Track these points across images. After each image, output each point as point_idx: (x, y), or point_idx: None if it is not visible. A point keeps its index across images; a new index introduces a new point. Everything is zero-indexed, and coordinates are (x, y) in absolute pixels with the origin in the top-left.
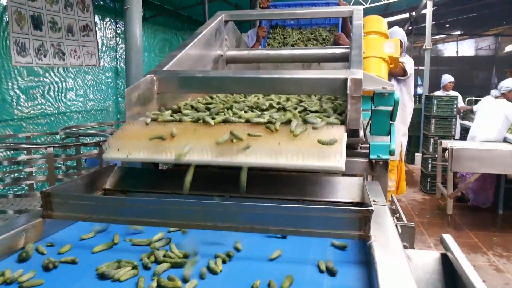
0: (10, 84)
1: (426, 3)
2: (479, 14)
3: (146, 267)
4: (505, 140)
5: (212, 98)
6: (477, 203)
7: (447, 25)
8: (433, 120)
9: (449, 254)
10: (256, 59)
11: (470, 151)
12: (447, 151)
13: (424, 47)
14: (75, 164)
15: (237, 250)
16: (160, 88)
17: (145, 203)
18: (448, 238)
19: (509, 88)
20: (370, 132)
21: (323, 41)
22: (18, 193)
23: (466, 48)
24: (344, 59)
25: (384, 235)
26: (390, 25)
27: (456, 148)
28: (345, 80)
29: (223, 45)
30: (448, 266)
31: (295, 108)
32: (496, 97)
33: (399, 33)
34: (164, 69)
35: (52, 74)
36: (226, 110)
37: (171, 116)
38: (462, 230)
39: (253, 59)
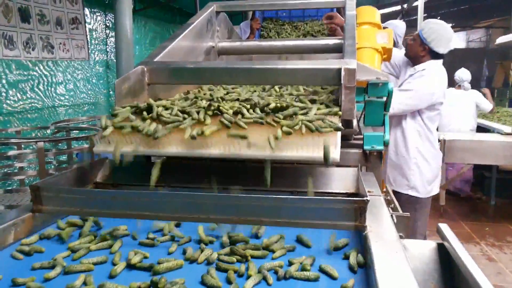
0: None
1: None
2: (470, 6)
3: None
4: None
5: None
6: (464, 192)
7: (439, 18)
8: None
9: (445, 243)
10: (249, 51)
11: (463, 143)
12: (440, 142)
13: None
14: (66, 159)
15: None
16: (151, 79)
17: (137, 196)
18: (444, 227)
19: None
20: (364, 123)
21: (316, 34)
22: (8, 188)
23: (458, 40)
24: (337, 50)
25: (380, 226)
26: (382, 17)
27: (448, 139)
28: (339, 70)
29: (214, 36)
30: (444, 256)
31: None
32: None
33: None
34: (155, 60)
35: (41, 67)
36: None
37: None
38: (454, 220)
39: (245, 50)
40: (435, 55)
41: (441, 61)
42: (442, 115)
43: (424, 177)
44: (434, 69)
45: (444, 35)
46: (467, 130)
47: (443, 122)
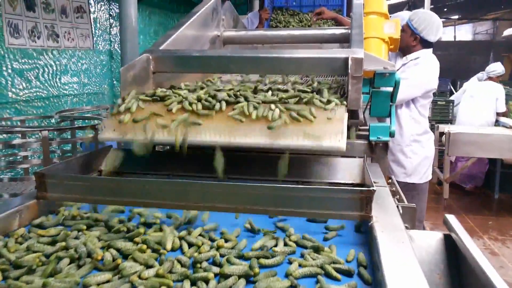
0: (3, 66)
1: None
2: None
3: None
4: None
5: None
6: (469, 185)
7: (445, 9)
8: (430, 104)
9: (453, 234)
10: (254, 40)
11: (467, 136)
12: (444, 135)
13: None
14: (70, 148)
15: None
16: (156, 67)
17: (143, 184)
18: (451, 218)
19: (497, 72)
20: (370, 113)
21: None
22: (13, 176)
23: (464, 32)
24: (344, 40)
25: (386, 216)
26: (389, 8)
27: (453, 132)
28: (346, 59)
29: (220, 25)
30: (451, 247)
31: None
32: (483, 79)
33: (407, 18)
34: (160, 48)
35: (46, 56)
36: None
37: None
38: (458, 214)
39: (250, 40)
40: (426, 44)
41: (431, 49)
42: (461, 107)
43: (420, 162)
44: (427, 57)
45: (433, 24)
46: (483, 124)
47: (460, 114)
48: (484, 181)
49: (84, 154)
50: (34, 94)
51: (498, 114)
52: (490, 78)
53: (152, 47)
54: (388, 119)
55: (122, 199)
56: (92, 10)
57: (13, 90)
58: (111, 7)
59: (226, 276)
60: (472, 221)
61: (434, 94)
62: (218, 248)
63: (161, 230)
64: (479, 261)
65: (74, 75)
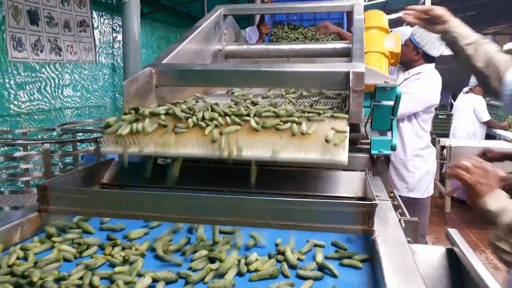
0: (6, 79)
1: (424, 1)
2: (477, 12)
3: None
4: (489, 137)
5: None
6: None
7: None
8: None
9: (455, 249)
10: (256, 54)
11: (469, 149)
12: (446, 149)
13: None
14: (72, 161)
15: None
16: (159, 81)
17: (144, 197)
18: (454, 232)
19: (476, 83)
20: (371, 127)
21: (327, 39)
22: (14, 189)
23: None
24: (345, 54)
25: (388, 230)
26: (389, 23)
27: (454, 146)
28: (347, 73)
29: (222, 39)
30: (454, 261)
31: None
32: (465, 92)
33: (408, 33)
34: (163, 62)
35: (48, 69)
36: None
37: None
38: (460, 228)
39: (252, 54)
40: (428, 59)
41: (433, 64)
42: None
43: (423, 177)
44: (430, 72)
45: (436, 39)
46: (465, 136)
47: (452, 128)
48: None
49: (86, 167)
50: (36, 107)
51: (486, 124)
52: (471, 90)
53: (155, 61)
54: (389, 133)
55: (123, 212)
56: (95, 24)
57: (15, 103)
58: (114, 21)
59: None
60: (474, 235)
61: (435, 108)
62: None
63: None
64: (482, 276)
65: (76, 88)
